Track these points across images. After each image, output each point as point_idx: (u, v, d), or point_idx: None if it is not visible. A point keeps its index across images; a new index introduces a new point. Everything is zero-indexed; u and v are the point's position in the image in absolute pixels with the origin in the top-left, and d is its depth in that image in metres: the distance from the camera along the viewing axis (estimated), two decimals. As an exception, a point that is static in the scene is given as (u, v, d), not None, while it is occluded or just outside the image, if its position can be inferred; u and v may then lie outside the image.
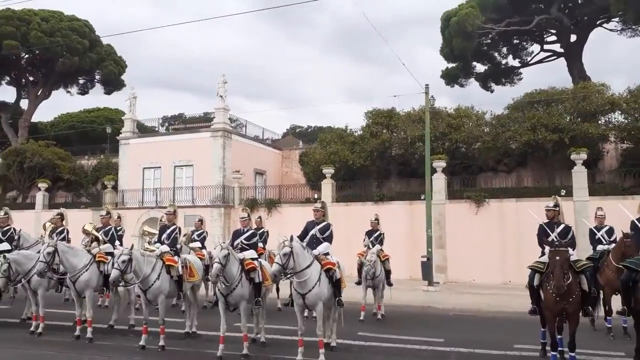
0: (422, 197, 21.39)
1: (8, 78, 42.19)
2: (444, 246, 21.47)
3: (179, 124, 36.31)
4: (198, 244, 14.05)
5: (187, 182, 27.72)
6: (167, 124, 39.85)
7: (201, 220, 14.95)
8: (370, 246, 12.17)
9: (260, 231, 12.90)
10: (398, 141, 25.44)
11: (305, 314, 9.57)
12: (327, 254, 8.71)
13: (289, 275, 8.06)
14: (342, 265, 9.09)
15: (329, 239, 8.84)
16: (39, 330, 10.38)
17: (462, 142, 24.55)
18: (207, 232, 15.10)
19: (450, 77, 35.91)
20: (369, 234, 12.70)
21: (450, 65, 35.53)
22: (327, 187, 24.58)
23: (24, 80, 41.69)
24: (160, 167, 28.58)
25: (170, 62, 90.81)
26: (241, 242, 9.50)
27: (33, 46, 36.33)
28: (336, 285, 8.53)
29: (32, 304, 10.90)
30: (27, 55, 39.87)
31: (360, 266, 12.14)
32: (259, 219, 13.55)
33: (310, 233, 8.88)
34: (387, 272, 12.53)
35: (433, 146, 22.40)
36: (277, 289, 13.00)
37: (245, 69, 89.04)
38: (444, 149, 24.01)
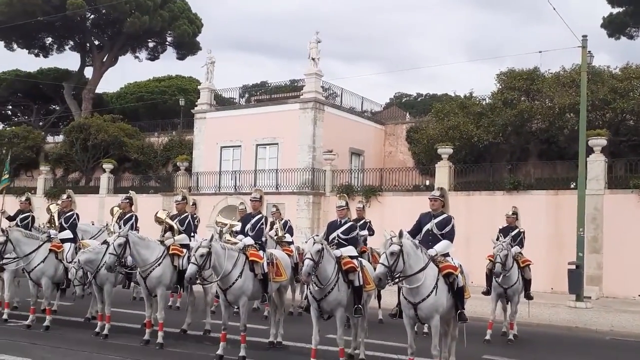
0: (572, 186, 20.65)
1: (72, 43, 45.91)
2: (600, 250, 20.53)
3: (261, 94, 37.28)
4: (289, 237, 14.38)
5: (270, 163, 28.53)
6: (247, 95, 41.11)
7: (278, 209, 15.30)
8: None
9: (362, 222, 13.02)
10: (541, 111, 24.53)
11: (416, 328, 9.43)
12: (447, 255, 8.51)
13: (396, 280, 7.96)
14: (466, 271, 8.85)
15: (450, 236, 8.58)
16: (105, 331, 11.12)
17: (630, 113, 23.30)
18: (290, 222, 15.42)
19: (615, 27, 34.02)
20: (504, 231, 12.29)
21: (616, 10, 33.67)
22: (443, 172, 24.16)
23: (88, 45, 45.05)
24: (240, 145, 29.63)
25: (250, 20, 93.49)
26: (338, 236, 9.54)
27: (99, 5, 38.95)
28: (458, 294, 8.32)
29: (98, 302, 11.72)
30: (92, 16, 42.98)
31: (490, 272, 11.77)
32: (360, 208, 13.62)
33: (425, 228, 8.68)
34: (527, 282, 12.14)
35: (590, 118, 21.41)
36: (379, 297, 13.00)
37: (339, 25, 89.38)
38: (604, 122, 23.00)
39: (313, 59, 28.01)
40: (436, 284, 8.02)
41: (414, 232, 8.65)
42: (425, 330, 10.70)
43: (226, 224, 13.06)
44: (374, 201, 25.07)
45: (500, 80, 26.16)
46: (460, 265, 8.58)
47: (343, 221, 9.75)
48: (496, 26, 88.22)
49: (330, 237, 9.51)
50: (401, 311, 8.32)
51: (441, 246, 8.45)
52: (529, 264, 12.28)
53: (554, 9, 17.21)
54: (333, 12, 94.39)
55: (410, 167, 28.27)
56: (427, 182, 25.91)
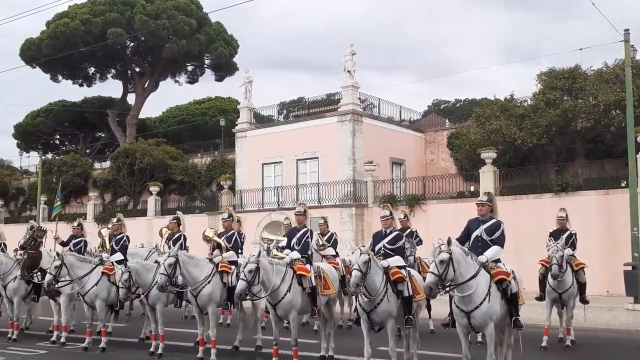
0: (622, 184, 20.13)
1: (114, 71, 47.12)
2: (657, 250, 19.67)
3: (299, 109, 37.48)
4: (332, 250, 14.30)
5: (311, 177, 28.55)
6: (285, 111, 41.39)
7: (326, 222, 15.20)
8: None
9: (407, 231, 12.85)
10: (585, 110, 23.98)
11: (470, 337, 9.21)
12: (498, 260, 8.31)
13: (447, 289, 7.80)
14: (518, 277, 8.62)
15: (500, 241, 8.40)
16: (159, 351, 11.24)
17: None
18: (336, 235, 15.32)
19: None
20: (554, 235, 11.92)
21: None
22: (488, 177, 23.75)
23: (129, 72, 46.16)
24: (281, 161, 29.76)
25: (284, 38, 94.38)
26: (384, 246, 9.44)
27: (138, 32, 39.93)
28: (512, 301, 8.12)
29: (151, 322, 11.88)
30: (132, 44, 44.12)
31: (543, 277, 11.47)
32: (404, 218, 13.46)
33: (474, 234, 8.52)
34: (581, 286, 11.79)
35: (637, 114, 20.64)
36: (429, 307, 12.79)
37: (373, 36, 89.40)
38: (652, 117, 22.04)
39: (349, 72, 27.99)
40: (489, 290, 7.83)
41: (462, 239, 8.50)
42: (480, 339, 10.44)
43: (272, 240, 13.07)
44: (418, 210, 24.82)
45: (541, 81, 25.63)
46: (513, 270, 8.36)
47: (388, 231, 9.64)
48: (531, 26, 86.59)
49: (377, 248, 9.41)
50: (454, 320, 8.15)
51: (492, 252, 8.25)
52: (583, 267, 11.90)
53: (593, 3, 16.81)
54: (365, 24, 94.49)
55: (453, 173, 27.88)
56: (472, 188, 25.50)
